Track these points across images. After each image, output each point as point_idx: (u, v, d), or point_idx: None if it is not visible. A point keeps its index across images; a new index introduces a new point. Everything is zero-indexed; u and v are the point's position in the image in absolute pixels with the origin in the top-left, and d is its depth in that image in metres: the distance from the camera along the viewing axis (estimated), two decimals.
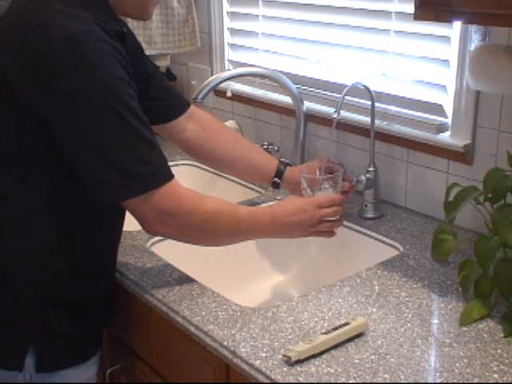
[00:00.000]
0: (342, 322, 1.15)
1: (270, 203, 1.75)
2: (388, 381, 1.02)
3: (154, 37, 2.07)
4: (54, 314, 1.24)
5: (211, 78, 1.72)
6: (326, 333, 1.12)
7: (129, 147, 1.16)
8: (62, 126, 1.15)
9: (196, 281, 1.34)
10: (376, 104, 1.58)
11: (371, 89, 1.56)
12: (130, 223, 1.48)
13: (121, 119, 1.14)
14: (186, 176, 2.06)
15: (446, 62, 1.50)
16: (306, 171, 1.47)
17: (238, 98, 2.05)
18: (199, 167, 2.05)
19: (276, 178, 1.58)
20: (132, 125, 1.16)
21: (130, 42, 1.34)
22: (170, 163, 2.08)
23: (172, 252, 1.49)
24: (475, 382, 1.02)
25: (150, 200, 1.19)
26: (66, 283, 1.25)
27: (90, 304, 1.31)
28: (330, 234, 1.40)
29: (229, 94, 1.97)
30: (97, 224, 1.27)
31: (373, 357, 1.08)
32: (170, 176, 1.21)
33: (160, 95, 1.50)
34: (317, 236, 1.39)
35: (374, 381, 1.02)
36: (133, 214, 1.23)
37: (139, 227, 1.55)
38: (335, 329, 1.12)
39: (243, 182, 1.89)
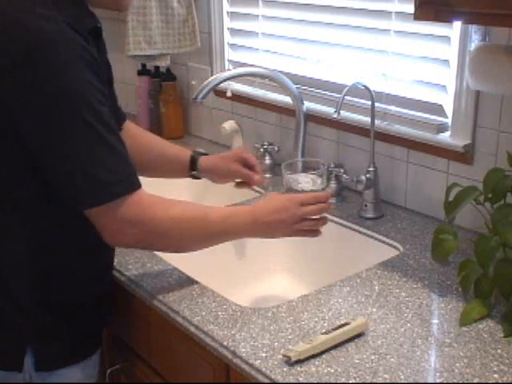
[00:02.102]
0: (342, 322, 1.15)
1: None
2: (388, 381, 1.02)
3: (153, 37, 2.07)
4: (49, 314, 1.24)
5: (211, 78, 1.72)
6: (326, 333, 1.12)
7: (95, 155, 1.14)
8: (30, 132, 1.13)
9: (196, 281, 1.34)
10: (376, 104, 1.58)
11: (371, 89, 1.56)
12: None
13: (88, 126, 1.12)
14: None
15: (446, 62, 1.50)
16: (226, 160, 1.52)
17: (238, 98, 2.05)
18: None
19: (194, 171, 1.57)
20: (98, 132, 1.13)
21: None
22: None
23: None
24: (475, 382, 1.02)
25: (113, 209, 1.16)
26: (59, 284, 1.25)
27: (85, 304, 1.30)
28: (315, 233, 1.36)
29: (229, 93, 1.97)
30: (83, 225, 1.23)
31: (373, 357, 1.08)
32: (136, 185, 1.19)
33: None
34: (301, 235, 1.35)
35: (374, 381, 1.02)
36: (95, 223, 1.19)
37: None
38: (335, 329, 1.12)
39: None
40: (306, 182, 1.37)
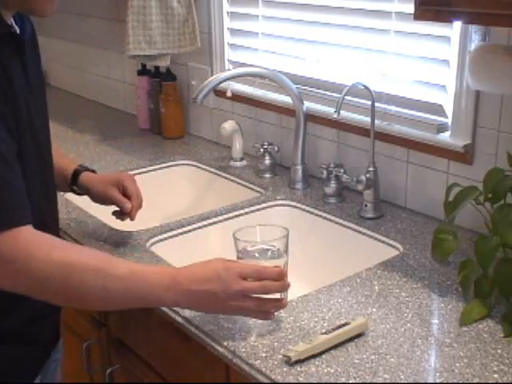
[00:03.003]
0: (342, 322, 1.15)
1: (270, 203, 1.75)
2: (388, 381, 1.02)
3: (154, 37, 2.07)
4: None
5: (211, 78, 1.72)
6: (326, 333, 1.12)
7: None
8: None
9: None
10: (376, 104, 1.58)
11: (371, 89, 1.56)
12: (130, 223, 1.48)
13: None
14: (186, 176, 2.07)
15: (445, 61, 1.50)
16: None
17: (238, 97, 2.05)
18: (199, 167, 2.05)
19: (74, 186, 1.46)
20: None
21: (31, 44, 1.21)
22: (169, 163, 2.12)
23: (172, 252, 1.49)
24: (475, 381, 1.02)
25: None
26: None
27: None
28: (264, 315, 1.13)
29: (229, 94, 1.97)
30: None
31: (373, 357, 1.08)
32: (16, 221, 1.04)
33: None
34: (243, 315, 1.14)
35: (374, 381, 1.02)
36: None
37: (139, 227, 1.56)
38: (335, 329, 1.12)
39: (243, 182, 1.89)
40: (257, 252, 1.16)
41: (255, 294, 1.10)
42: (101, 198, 1.47)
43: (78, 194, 1.49)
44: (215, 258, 1.13)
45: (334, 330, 1.12)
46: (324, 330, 1.14)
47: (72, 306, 1.21)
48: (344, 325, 1.13)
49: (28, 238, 1.05)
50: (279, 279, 1.11)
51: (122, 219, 1.46)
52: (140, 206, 1.45)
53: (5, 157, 1.04)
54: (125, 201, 1.43)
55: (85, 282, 1.05)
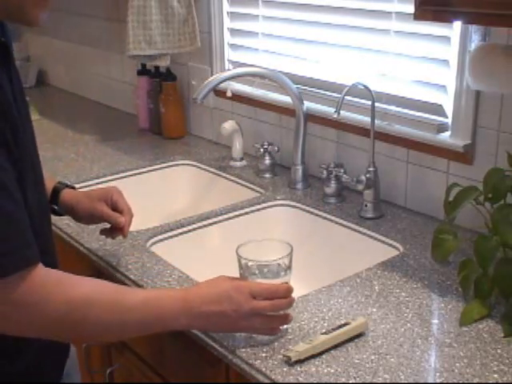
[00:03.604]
0: (342, 322, 1.15)
1: (270, 203, 1.75)
2: (388, 381, 1.02)
3: (154, 37, 2.07)
4: None
5: (211, 78, 1.72)
6: (325, 333, 1.12)
7: None
8: None
9: (196, 281, 1.34)
10: (376, 104, 1.58)
11: (371, 89, 1.56)
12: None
13: None
14: (186, 176, 2.07)
15: (445, 61, 1.50)
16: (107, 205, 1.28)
17: (238, 97, 2.05)
18: (199, 167, 2.05)
19: (55, 205, 1.34)
20: None
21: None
22: (169, 163, 2.12)
23: (172, 252, 1.49)
24: (475, 381, 1.02)
25: None
26: None
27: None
28: (271, 331, 1.12)
29: (229, 94, 1.97)
30: None
31: (373, 357, 1.08)
32: (31, 260, 0.97)
33: None
34: (251, 333, 1.13)
35: (374, 381, 1.02)
36: None
37: (139, 227, 1.56)
38: (335, 329, 1.12)
39: (243, 182, 1.89)
40: (263, 269, 1.14)
41: (266, 313, 1.10)
42: (88, 215, 1.35)
43: (59, 214, 1.37)
44: (221, 276, 1.12)
45: (334, 329, 1.12)
46: (324, 330, 1.14)
47: (84, 341, 1.17)
48: (344, 325, 1.13)
49: (42, 277, 0.99)
50: (287, 296, 1.11)
51: (113, 237, 1.38)
52: (131, 222, 1.36)
53: (7, 188, 0.95)
54: (117, 215, 1.32)
55: (101, 319, 1.03)
